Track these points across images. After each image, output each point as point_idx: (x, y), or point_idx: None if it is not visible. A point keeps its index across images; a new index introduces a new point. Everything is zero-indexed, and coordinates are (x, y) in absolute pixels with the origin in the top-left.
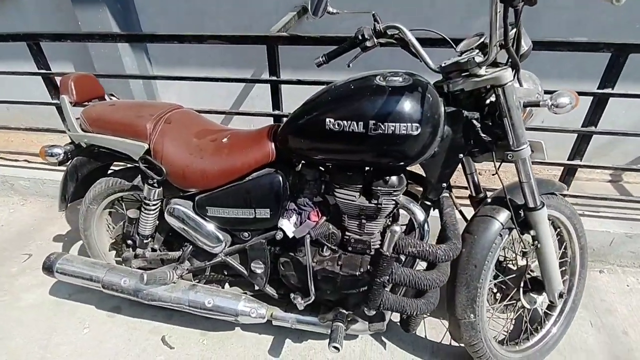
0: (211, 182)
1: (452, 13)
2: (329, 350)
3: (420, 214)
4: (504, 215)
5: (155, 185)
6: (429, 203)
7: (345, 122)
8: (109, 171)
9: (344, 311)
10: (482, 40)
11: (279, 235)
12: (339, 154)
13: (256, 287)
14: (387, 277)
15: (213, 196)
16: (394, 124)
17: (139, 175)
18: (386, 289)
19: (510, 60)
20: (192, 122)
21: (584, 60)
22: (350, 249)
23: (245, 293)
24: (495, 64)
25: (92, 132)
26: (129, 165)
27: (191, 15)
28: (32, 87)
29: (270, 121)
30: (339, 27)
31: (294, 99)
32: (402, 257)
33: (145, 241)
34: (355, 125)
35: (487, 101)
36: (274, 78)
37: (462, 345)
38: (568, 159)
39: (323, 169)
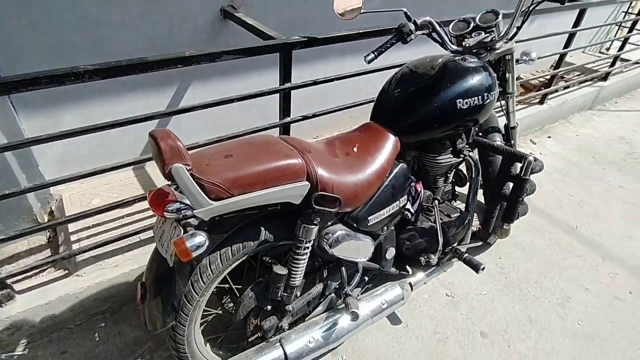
0: (374, 191)
1: None
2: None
3: (475, 155)
4: (499, 138)
5: (316, 222)
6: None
7: (470, 99)
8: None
9: (454, 247)
10: (476, 24)
11: (408, 216)
12: (458, 126)
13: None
14: (526, 194)
15: (371, 205)
16: (493, 93)
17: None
18: None
19: (517, 33)
20: (308, 144)
21: None
22: (440, 199)
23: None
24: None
25: (234, 196)
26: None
27: (83, 29)
28: None
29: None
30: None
31: None
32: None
33: (294, 293)
34: (478, 99)
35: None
36: (288, 85)
37: None
38: None
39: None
